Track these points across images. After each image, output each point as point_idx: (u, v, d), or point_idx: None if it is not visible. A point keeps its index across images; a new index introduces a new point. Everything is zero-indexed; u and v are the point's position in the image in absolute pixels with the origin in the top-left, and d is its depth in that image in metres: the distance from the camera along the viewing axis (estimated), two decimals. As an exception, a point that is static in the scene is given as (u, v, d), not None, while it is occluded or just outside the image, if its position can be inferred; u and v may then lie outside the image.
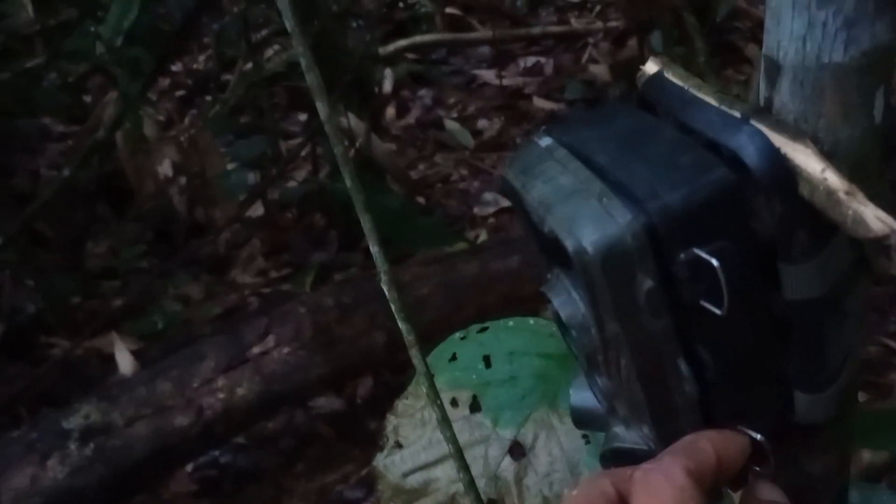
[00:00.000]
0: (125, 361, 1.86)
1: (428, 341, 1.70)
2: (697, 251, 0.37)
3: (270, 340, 1.50)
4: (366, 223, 0.53)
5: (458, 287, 1.61)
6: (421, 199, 2.52)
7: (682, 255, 0.37)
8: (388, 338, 1.55)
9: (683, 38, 2.62)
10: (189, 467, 1.63)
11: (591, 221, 0.38)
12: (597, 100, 2.84)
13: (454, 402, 0.62)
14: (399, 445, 0.62)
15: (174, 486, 1.62)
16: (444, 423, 0.52)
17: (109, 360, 1.90)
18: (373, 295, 1.58)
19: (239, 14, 2.39)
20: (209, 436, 1.46)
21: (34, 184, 2.55)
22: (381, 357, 1.58)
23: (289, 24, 0.51)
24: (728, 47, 2.82)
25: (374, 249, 0.53)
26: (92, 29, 2.28)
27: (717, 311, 0.38)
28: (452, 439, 0.52)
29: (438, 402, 0.50)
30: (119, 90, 1.73)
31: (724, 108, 0.40)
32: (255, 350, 1.49)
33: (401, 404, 0.65)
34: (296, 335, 1.50)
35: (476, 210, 2.45)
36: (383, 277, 0.54)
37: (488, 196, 2.50)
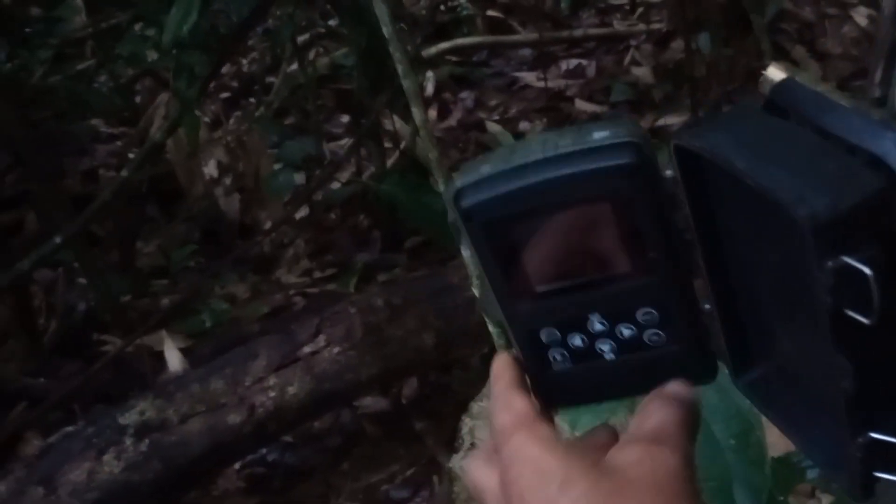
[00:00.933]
0: (174, 359, 1.89)
1: (478, 343, 1.70)
2: (847, 259, 0.37)
3: (322, 340, 1.51)
4: None
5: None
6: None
7: (830, 263, 0.37)
8: (437, 339, 1.56)
9: (730, 40, 2.61)
10: (237, 465, 1.65)
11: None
12: (641, 102, 2.83)
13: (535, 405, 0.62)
14: (475, 447, 0.63)
15: (223, 483, 1.64)
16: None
17: (159, 358, 1.93)
18: (422, 296, 1.59)
19: (285, 17, 2.41)
20: (261, 434, 1.48)
21: (86, 184, 2.60)
22: (429, 357, 1.59)
23: (386, 31, 0.52)
24: (774, 49, 2.79)
25: (465, 253, 0.53)
26: (145, 33, 2.33)
27: (865, 321, 0.37)
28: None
29: None
30: (176, 94, 1.75)
31: (863, 113, 0.40)
32: (307, 349, 1.51)
33: (476, 406, 0.65)
34: (347, 335, 1.51)
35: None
36: (476, 282, 0.54)
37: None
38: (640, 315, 0.48)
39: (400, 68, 0.53)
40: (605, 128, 0.45)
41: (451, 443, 1.66)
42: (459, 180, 0.46)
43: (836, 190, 0.37)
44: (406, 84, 0.53)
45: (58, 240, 1.63)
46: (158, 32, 2.17)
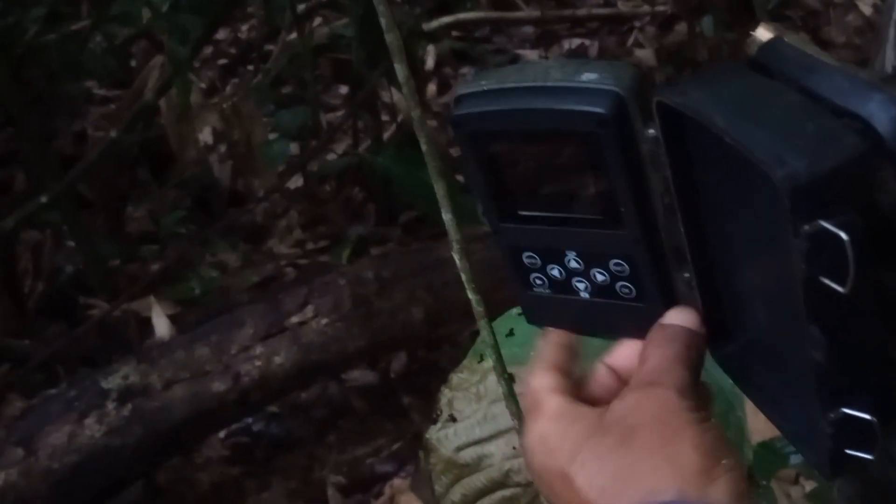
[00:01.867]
0: (162, 325, 1.88)
1: (469, 318, 1.69)
2: (824, 223, 0.35)
3: (309, 310, 1.50)
4: (440, 190, 0.52)
5: (499, 265, 1.59)
6: (460, 178, 2.50)
7: (807, 227, 0.35)
8: (426, 314, 1.55)
9: (733, 24, 2.58)
10: (222, 434, 1.64)
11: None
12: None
13: (511, 378, 0.61)
14: (453, 419, 0.62)
15: (207, 452, 1.63)
16: (511, 398, 0.51)
17: (146, 324, 1.91)
18: (412, 270, 1.57)
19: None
20: (245, 402, 1.47)
21: (77, 146, 2.57)
22: (418, 332, 1.58)
23: (380, 9, 0.50)
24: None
25: (446, 217, 0.52)
26: (140, -7, 2.29)
27: (840, 289, 0.36)
28: (518, 415, 0.51)
29: (506, 375, 0.49)
30: (168, 55, 1.73)
31: (850, 73, 0.38)
32: (294, 319, 1.49)
33: (455, 378, 0.64)
34: (335, 306, 1.49)
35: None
36: (455, 246, 0.54)
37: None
38: (611, 265, 0.48)
39: (384, 22, 0.50)
40: (596, 70, 0.44)
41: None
42: (462, 88, 0.47)
43: (816, 151, 0.36)
44: (389, 38, 0.51)
45: (44, 199, 1.60)
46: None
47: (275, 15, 2.25)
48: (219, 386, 1.44)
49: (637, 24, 3.12)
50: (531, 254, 0.49)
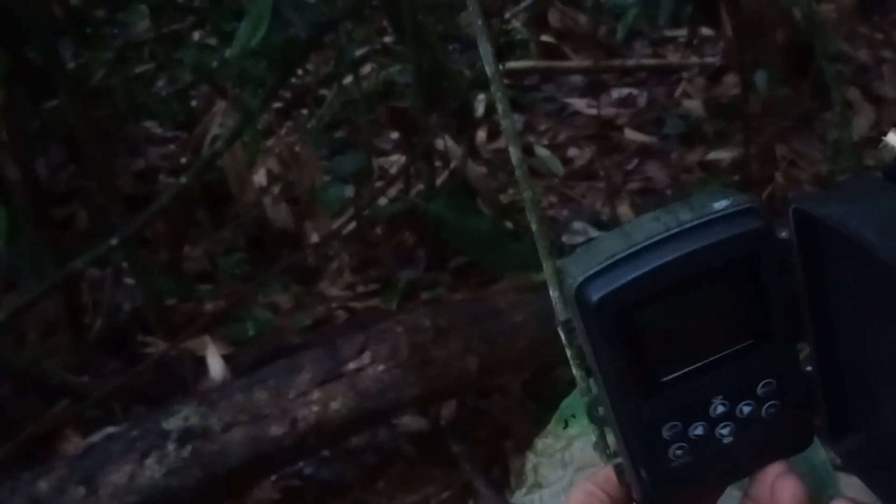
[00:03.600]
0: (216, 365, 1.91)
1: (521, 369, 1.69)
2: None
3: (367, 357, 1.52)
4: (547, 268, 0.52)
5: (551, 317, 1.60)
6: (509, 224, 2.52)
7: None
8: (481, 363, 1.56)
9: (787, 79, 2.59)
10: (273, 476, 1.66)
11: None
12: (692, 135, 2.81)
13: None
14: (539, 485, 0.62)
15: (258, 494, 1.65)
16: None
17: (200, 363, 1.94)
18: (467, 319, 1.59)
19: (344, 32, 2.44)
20: (301, 447, 1.49)
21: (138, 185, 2.64)
22: (472, 381, 1.59)
23: (489, 69, 0.52)
24: (829, 90, 2.77)
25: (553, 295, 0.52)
26: (206, 41, 2.37)
27: None
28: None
29: (607, 450, 0.50)
30: (237, 104, 1.78)
31: None
32: (351, 366, 1.51)
33: (540, 443, 0.65)
34: (392, 354, 1.51)
35: (564, 238, 2.45)
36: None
37: (577, 225, 2.49)
38: (760, 388, 0.47)
39: (500, 108, 0.52)
40: (721, 197, 0.45)
41: (488, 468, 1.65)
42: (575, 272, 0.44)
43: None
44: (505, 124, 0.53)
45: (114, 241, 1.65)
46: (220, 41, 2.21)
47: (342, 63, 2.30)
48: (276, 430, 1.46)
49: (686, 74, 3.14)
50: (673, 423, 0.46)
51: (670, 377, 0.46)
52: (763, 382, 0.47)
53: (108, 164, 2.31)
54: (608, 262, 0.44)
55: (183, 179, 1.67)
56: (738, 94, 2.63)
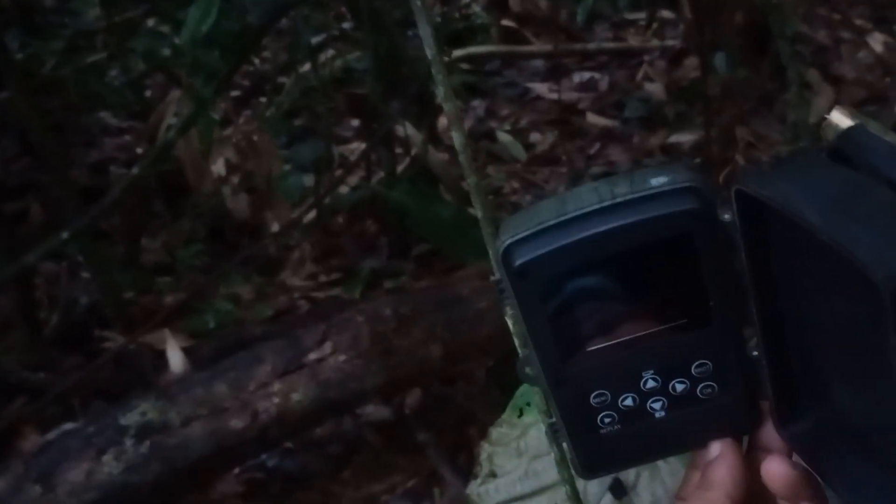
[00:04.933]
0: (176, 358, 1.88)
1: (486, 355, 1.68)
2: None
3: (328, 347, 1.50)
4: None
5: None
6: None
7: None
8: (444, 350, 1.55)
9: (745, 61, 2.60)
10: (237, 469, 1.64)
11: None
12: (653, 118, 2.82)
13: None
14: (494, 475, 0.62)
15: (222, 487, 1.63)
16: (563, 463, 0.51)
17: (161, 356, 1.91)
18: (430, 307, 1.58)
19: (300, 18, 2.40)
20: (263, 439, 1.47)
21: (93, 176, 2.59)
22: (435, 369, 1.58)
23: (429, 52, 0.51)
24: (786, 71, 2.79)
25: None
26: (159, 29, 2.32)
27: None
28: (570, 480, 0.51)
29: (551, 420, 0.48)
30: (190, 93, 1.74)
31: None
32: (313, 356, 1.49)
33: (495, 432, 0.64)
34: (353, 343, 1.50)
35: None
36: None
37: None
38: (694, 368, 0.46)
39: (441, 91, 0.51)
40: (662, 173, 0.44)
41: (453, 455, 1.65)
42: (506, 235, 0.44)
43: None
44: (447, 107, 0.52)
45: (65, 234, 1.61)
46: (173, 29, 2.16)
47: (297, 49, 2.27)
48: (237, 423, 1.44)
49: (647, 58, 3.15)
50: (601, 391, 0.47)
51: (597, 347, 0.46)
52: (698, 363, 0.46)
53: (63, 155, 2.26)
54: (537, 227, 0.44)
55: (136, 170, 1.64)
56: (698, 77, 2.64)
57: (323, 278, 2.28)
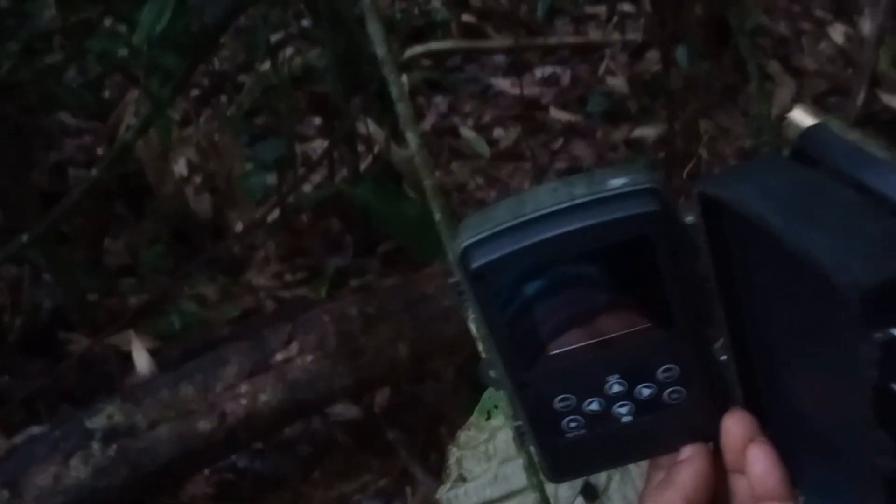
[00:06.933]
0: (142, 360, 1.86)
1: (452, 354, 1.70)
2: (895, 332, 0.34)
3: (294, 348, 1.50)
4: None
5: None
6: (428, 207, 2.51)
7: (879, 335, 0.35)
8: (412, 349, 1.56)
9: (707, 53, 2.63)
10: (206, 471, 1.64)
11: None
12: (616, 113, 2.84)
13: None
14: (463, 479, 0.62)
15: (192, 489, 1.63)
16: (531, 468, 0.52)
17: (127, 358, 1.90)
18: (397, 306, 1.59)
19: (258, 16, 2.39)
20: (231, 441, 1.47)
21: (54, 178, 2.55)
22: (403, 369, 1.59)
23: (380, 52, 0.52)
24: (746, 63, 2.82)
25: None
26: (115, 29, 2.29)
27: None
28: (539, 485, 0.52)
29: (516, 424, 0.49)
30: (148, 94, 1.73)
31: None
32: (279, 357, 1.50)
33: (463, 436, 0.65)
34: (319, 343, 1.50)
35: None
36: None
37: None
38: (660, 373, 0.46)
39: (394, 90, 0.52)
40: (621, 174, 0.43)
41: (424, 454, 1.66)
42: (464, 237, 0.44)
43: (880, 256, 0.35)
44: (401, 108, 0.53)
45: (25, 238, 1.59)
46: (130, 29, 2.14)
47: (256, 48, 2.26)
48: (205, 425, 1.44)
49: (608, 52, 3.17)
50: (565, 395, 0.46)
51: (559, 351, 0.46)
52: (664, 367, 0.46)
53: (22, 158, 2.23)
54: (494, 229, 0.43)
55: (94, 172, 1.62)
56: (660, 71, 2.66)
57: (288, 277, 2.27)
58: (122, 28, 2.28)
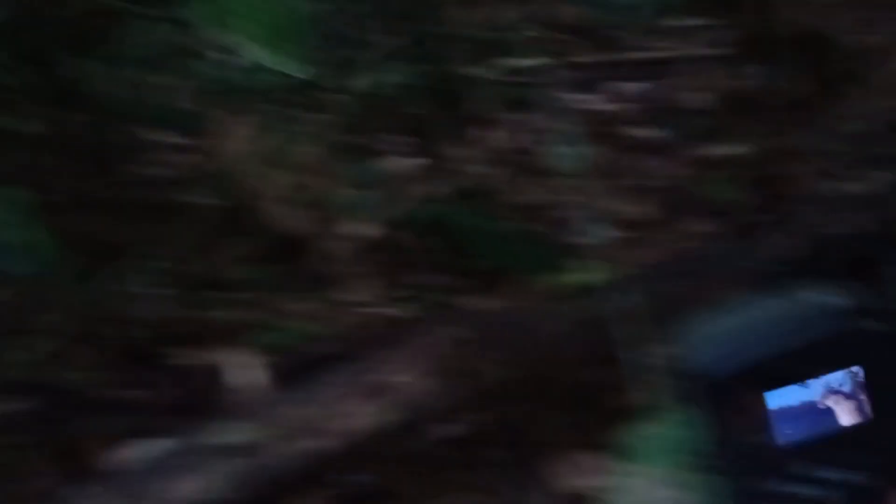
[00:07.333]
0: (249, 375, 1.93)
1: (557, 378, 1.72)
2: None
3: (405, 370, 1.55)
4: None
5: (577, 326, 1.66)
6: (522, 226, 2.54)
7: None
8: (520, 373, 1.60)
9: (797, 69, 2.61)
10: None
11: None
12: (700, 128, 2.82)
13: (668, 483, 0.64)
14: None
15: (307, 502, 1.67)
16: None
17: (230, 373, 1.96)
18: (504, 330, 1.63)
19: (354, 37, 2.45)
20: (347, 459, 1.52)
21: (149, 192, 2.65)
22: (509, 392, 1.62)
23: (564, 131, 0.54)
24: (838, 80, 2.79)
25: None
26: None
27: None
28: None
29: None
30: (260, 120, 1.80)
31: None
32: (391, 378, 1.54)
33: (611, 479, 0.67)
34: (432, 366, 1.54)
35: (579, 238, 2.47)
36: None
37: (591, 225, 2.51)
38: (874, 463, 0.51)
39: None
40: (834, 292, 0.48)
41: (529, 474, 1.69)
42: (695, 340, 0.50)
43: None
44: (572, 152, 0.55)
45: (145, 262, 1.67)
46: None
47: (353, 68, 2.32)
48: (322, 443, 1.49)
49: (691, 66, 3.16)
50: (783, 483, 0.51)
51: (781, 443, 0.51)
52: (879, 458, 0.51)
53: (118, 171, 2.33)
54: (723, 336, 0.50)
55: (206, 197, 1.69)
56: (746, 85, 2.66)
57: (388, 294, 2.32)
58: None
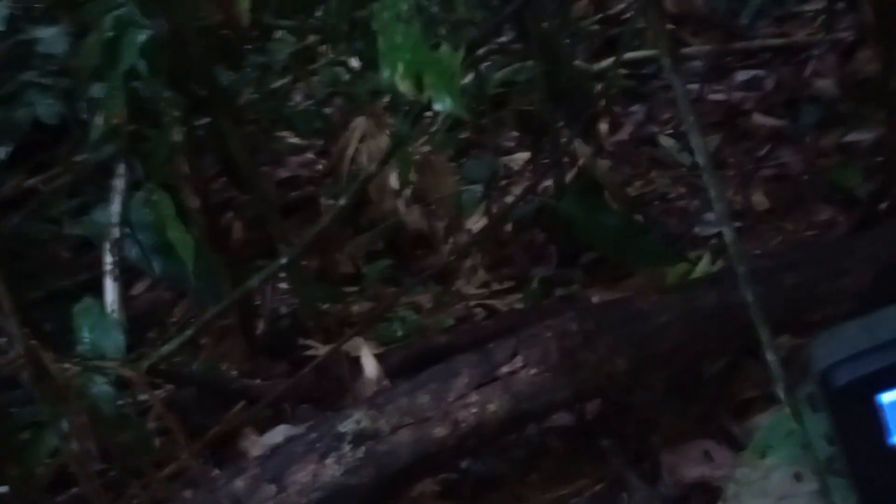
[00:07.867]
0: (370, 366, 2.04)
1: (666, 368, 1.73)
2: None
3: (519, 361, 1.61)
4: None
5: (697, 317, 1.66)
6: (639, 218, 2.55)
7: None
8: (629, 364, 1.63)
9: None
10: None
11: None
12: (826, 116, 2.73)
13: (798, 477, 0.67)
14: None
15: (420, 486, 1.76)
16: None
17: (355, 363, 2.08)
18: (614, 322, 1.66)
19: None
20: (463, 447, 1.59)
21: (280, 193, 2.81)
22: (620, 382, 1.66)
23: (687, 122, 0.59)
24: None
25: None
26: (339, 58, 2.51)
27: None
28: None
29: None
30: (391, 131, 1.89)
31: None
32: (505, 369, 1.60)
33: (739, 472, 0.71)
34: (542, 358, 1.60)
35: (697, 230, 2.47)
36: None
37: (709, 215, 2.50)
38: None
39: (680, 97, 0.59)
40: None
41: (637, 462, 1.72)
42: (822, 356, 0.53)
43: None
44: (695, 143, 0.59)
45: (283, 260, 1.80)
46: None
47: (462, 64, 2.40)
48: (439, 431, 1.57)
49: (815, 52, 3.07)
50: None
51: None
52: None
53: (258, 175, 2.47)
54: (853, 351, 0.53)
55: (342, 202, 1.80)
56: (875, 70, 2.56)
57: (496, 286, 2.39)
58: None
